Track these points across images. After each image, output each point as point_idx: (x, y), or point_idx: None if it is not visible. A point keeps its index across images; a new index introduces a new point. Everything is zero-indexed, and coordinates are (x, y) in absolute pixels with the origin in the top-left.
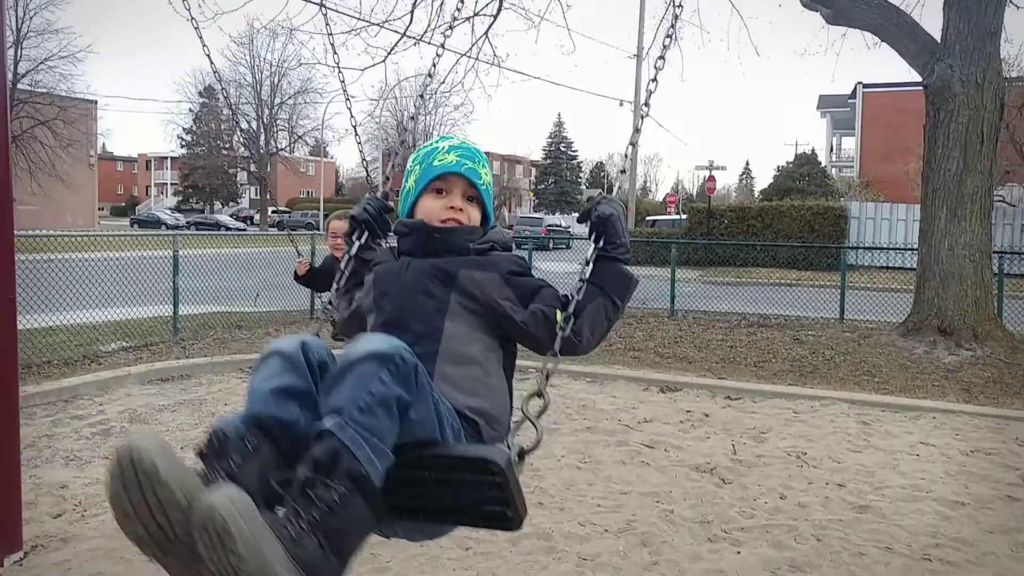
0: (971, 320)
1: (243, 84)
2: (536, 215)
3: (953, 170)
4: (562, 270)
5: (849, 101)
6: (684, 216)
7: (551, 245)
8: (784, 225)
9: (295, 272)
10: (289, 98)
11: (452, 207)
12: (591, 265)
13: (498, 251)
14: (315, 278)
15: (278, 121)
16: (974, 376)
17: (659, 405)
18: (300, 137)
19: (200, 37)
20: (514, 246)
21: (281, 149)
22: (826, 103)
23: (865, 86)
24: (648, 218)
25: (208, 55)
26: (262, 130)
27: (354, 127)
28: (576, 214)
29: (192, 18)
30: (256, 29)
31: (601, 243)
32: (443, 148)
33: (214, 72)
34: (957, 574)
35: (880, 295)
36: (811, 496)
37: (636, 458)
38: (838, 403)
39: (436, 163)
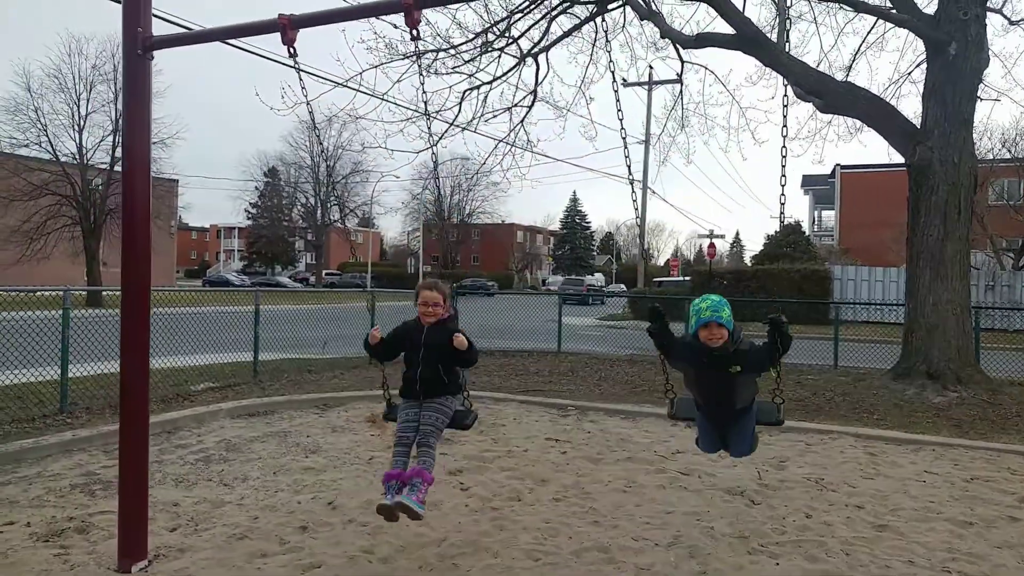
0: (955, 366)
1: (303, 166)
2: (578, 278)
3: (935, 236)
4: (584, 323)
5: (829, 180)
6: (688, 278)
7: (590, 301)
8: (777, 285)
9: (366, 340)
10: (343, 178)
11: (712, 336)
12: (778, 345)
13: (743, 347)
14: (386, 347)
15: (332, 197)
16: (963, 414)
17: (688, 438)
18: (351, 211)
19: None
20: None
21: (335, 221)
22: (808, 182)
23: (842, 167)
24: (655, 279)
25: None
26: (319, 204)
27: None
28: (592, 274)
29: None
30: (325, 119)
31: (780, 339)
32: (704, 308)
33: (312, 125)
34: None
35: (863, 345)
36: (834, 516)
37: (675, 483)
38: (845, 436)
39: (702, 317)
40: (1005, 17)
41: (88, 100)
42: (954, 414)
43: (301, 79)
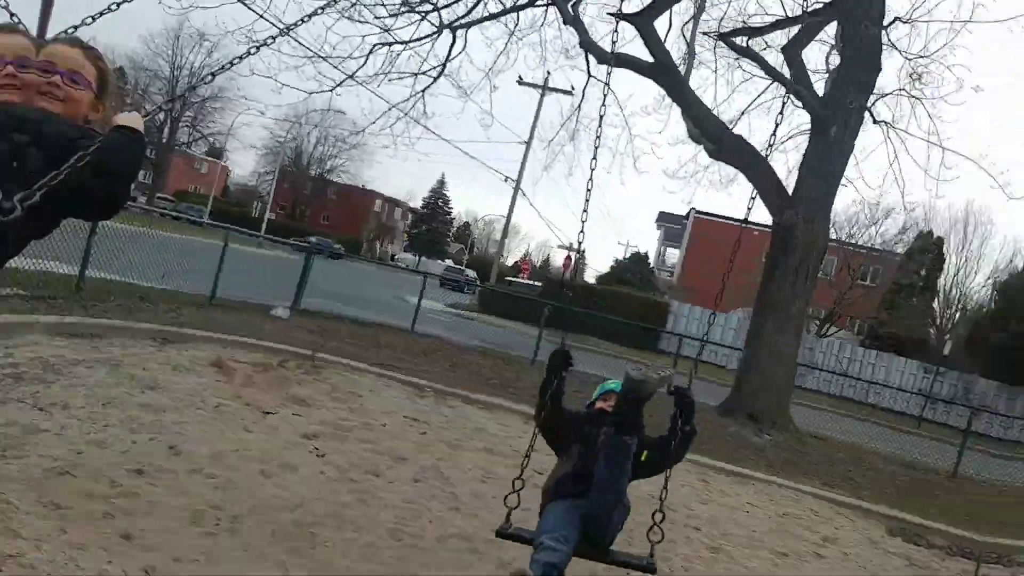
0: (773, 413)
1: (160, 76)
2: (459, 267)
3: (786, 293)
4: (433, 307)
5: (683, 221)
6: (540, 283)
7: (465, 289)
8: (622, 308)
9: None
10: (202, 99)
11: (608, 406)
12: (681, 427)
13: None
14: None
15: (183, 117)
16: (775, 456)
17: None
18: (203, 136)
19: None
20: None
21: (182, 144)
22: (664, 218)
23: (697, 212)
24: (507, 278)
25: None
26: (168, 121)
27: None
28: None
29: None
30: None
31: (684, 416)
32: (608, 382)
33: None
34: None
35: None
36: (675, 535)
37: (532, 479)
38: (683, 462)
39: (606, 387)
40: (871, 115)
41: None
42: (767, 455)
43: None
